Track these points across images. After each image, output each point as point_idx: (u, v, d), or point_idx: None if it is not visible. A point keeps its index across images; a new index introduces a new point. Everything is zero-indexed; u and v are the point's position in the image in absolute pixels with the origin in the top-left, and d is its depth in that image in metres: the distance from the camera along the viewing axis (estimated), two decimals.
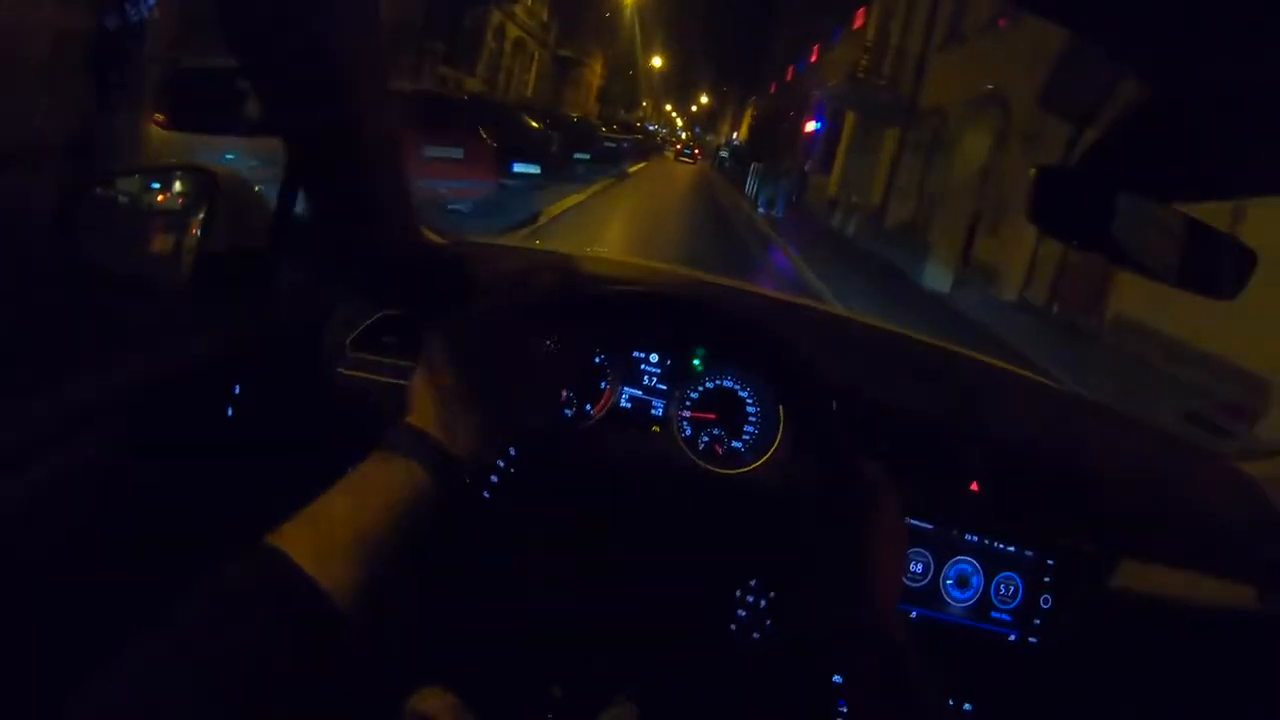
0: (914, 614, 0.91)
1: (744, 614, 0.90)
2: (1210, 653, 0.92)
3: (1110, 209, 0.50)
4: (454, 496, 0.54)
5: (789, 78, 34.43)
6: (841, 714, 0.81)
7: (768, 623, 0.90)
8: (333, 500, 0.50)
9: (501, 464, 0.89)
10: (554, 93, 33.42)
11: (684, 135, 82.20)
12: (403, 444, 0.53)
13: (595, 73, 38.94)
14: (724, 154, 44.94)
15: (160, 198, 0.89)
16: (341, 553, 0.47)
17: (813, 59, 27.50)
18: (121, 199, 0.87)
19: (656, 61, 47.06)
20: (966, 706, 0.93)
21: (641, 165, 26.29)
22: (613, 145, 19.32)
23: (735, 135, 71.27)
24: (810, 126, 24.31)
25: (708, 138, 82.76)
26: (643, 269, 1.11)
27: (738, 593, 0.90)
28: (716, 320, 0.92)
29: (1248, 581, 0.91)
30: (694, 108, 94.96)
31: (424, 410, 0.56)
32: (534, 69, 29.94)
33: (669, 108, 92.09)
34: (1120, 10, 0.36)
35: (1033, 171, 0.52)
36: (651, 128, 63.47)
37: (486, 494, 0.89)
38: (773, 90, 40.85)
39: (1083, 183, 0.51)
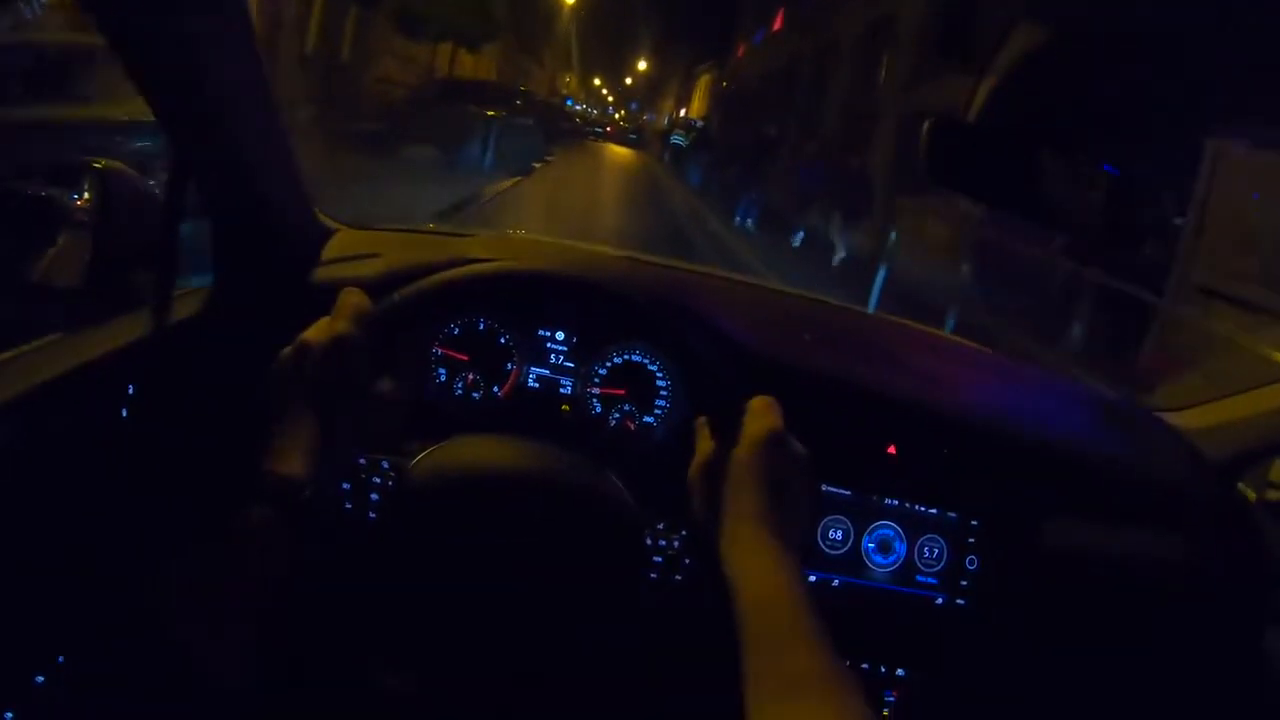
0: (836, 581, 0.91)
1: (660, 559, 0.86)
2: (1141, 605, 0.92)
3: (1014, 161, 0.47)
4: (323, 525, 0.58)
5: None
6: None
7: (686, 561, 0.86)
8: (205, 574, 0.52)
9: (386, 465, 0.83)
10: (354, 20, 15.38)
11: (617, 116, 66.38)
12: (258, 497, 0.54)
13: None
14: (678, 140, 27.45)
15: (80, 201, 0.87)
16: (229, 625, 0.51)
17: None
18: (62, 200, 0.86)
19: None
20: (899, 672, 0.93)
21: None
22: None
23: (684, 112, 54.90)
24: None
25: (644, 116, 66.79)
26: (547, 247, 1.07)
27: (648, 540, 0.86)
28: (618, 295, 0.91)
29: (1175, 531, 0.92)
30: (628, 80, 78.97)
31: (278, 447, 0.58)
32: None
33: (598, 82, 76.38)
34: None
35: (927, 125, 0.49)
36: (578, 106, 50.16)
37: (372, 512, 0.82)
38: (777, 26, 23.49)
39: (982, 134, 0.48)
